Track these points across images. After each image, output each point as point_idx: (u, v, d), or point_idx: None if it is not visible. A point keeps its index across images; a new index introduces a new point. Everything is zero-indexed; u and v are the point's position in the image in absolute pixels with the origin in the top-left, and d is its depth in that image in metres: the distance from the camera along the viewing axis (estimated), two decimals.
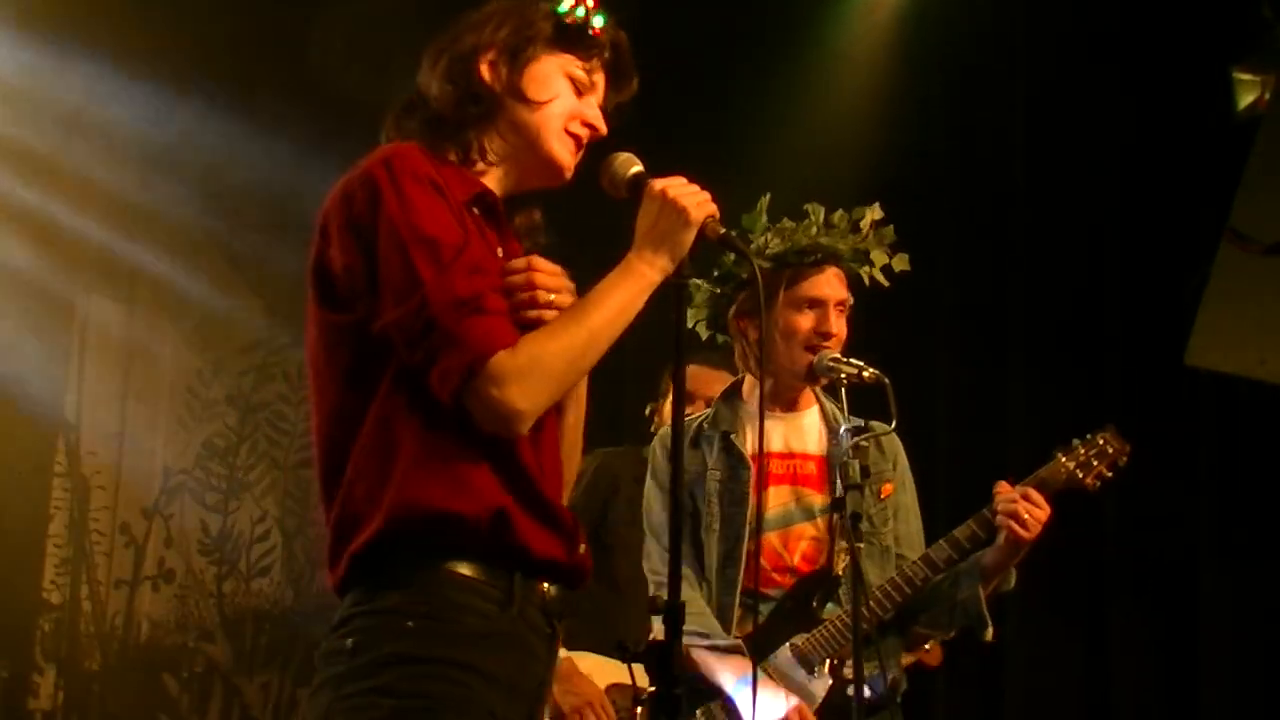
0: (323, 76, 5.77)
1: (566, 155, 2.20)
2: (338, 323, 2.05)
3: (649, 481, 3.37)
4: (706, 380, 3.93)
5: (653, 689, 1.88)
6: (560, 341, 1.99)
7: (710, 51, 5.86)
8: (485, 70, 2.17)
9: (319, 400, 2.08)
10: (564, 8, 2.19)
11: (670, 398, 4.21)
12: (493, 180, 2.19)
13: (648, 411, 4.30)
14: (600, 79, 2.23)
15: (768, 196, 3.28)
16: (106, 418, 6.75)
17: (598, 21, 2.19)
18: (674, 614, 1.87)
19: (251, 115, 5.95)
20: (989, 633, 3.21)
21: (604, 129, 2.22)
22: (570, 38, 2.19)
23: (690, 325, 3.27)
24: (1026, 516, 3.09)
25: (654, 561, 3.30)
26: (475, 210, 2.11)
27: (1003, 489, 3.16)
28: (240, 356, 6.77)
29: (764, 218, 3.26)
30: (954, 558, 3.15)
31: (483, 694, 1.96)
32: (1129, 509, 4.65)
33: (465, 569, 1.98)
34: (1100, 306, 4.91)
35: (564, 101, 2.19)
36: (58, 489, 6.62)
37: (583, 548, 2.10)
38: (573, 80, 2.20)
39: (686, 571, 3.22)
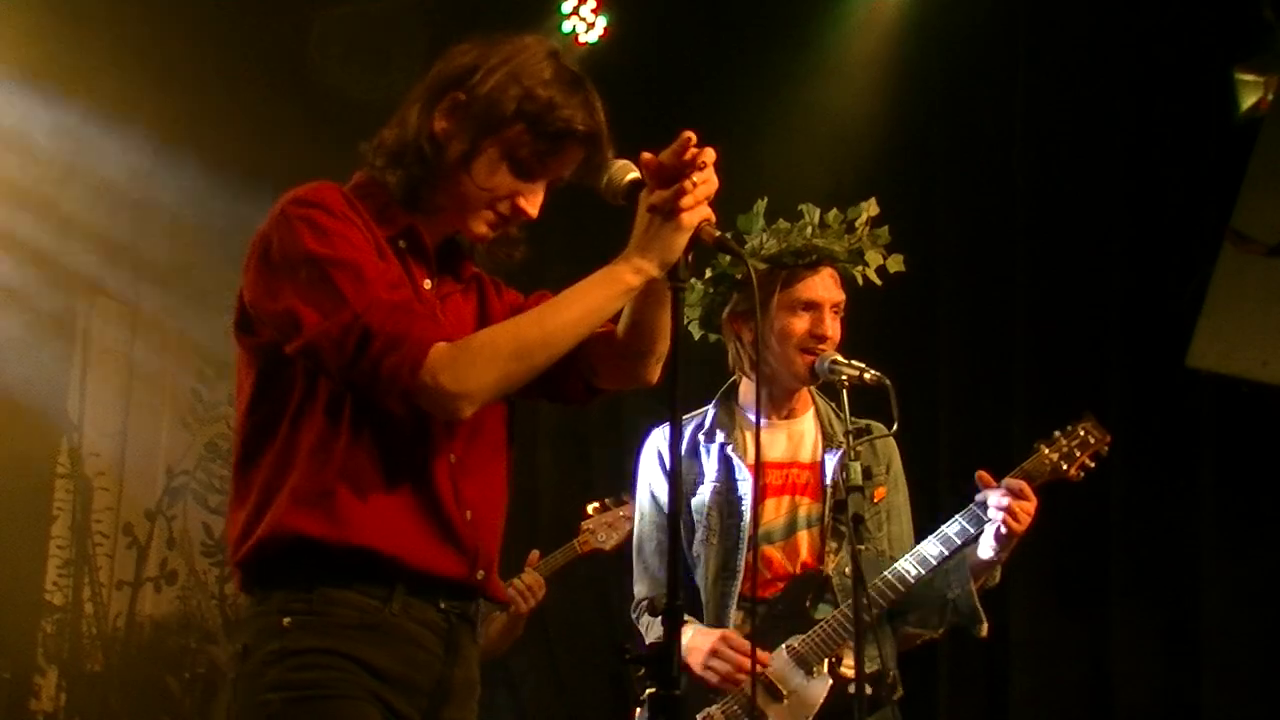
0: (322, 80, 5.79)
1: (484, 231, 2.20)
2: (247, 344, 2.16)
3: (641, 493, 3.34)
4: None
5: (652, 690, 1.88)
6: (506, 333, 2.06)
7: (710, 51, 5.86)
8: (441, 119, 2.14)
9: (239, 410, 2.18)
10: (555, 110, 2.12)
11: None
12: (426, 221, 2.20)
13: None
14: (562, 169, 2.19)
15: (765, 200, 3.26)
16: (109, 419, 6.76)
17: (580, 128, 2.13)
18: (673, 616, 1.87)
19: (257, 119, 5.96)
20: (983, 629, 3.20)
21: (534, 217, 2.20)
22: (545, 130, 2.14)
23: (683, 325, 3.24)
24: (1018, 510, 3.08)
25: (636, 581, 3.31)
26: (402, 244, 2.15)
27: (987, 481, 3.15)
28: None
29: (761, 219, 3.25)
30: (945, 554, 3.14)
31: (363, 680, 2.03)
32: (1131, 509, 4.65)
33: (342, 582, 2.05)
34: (1102, 308, 4.91)
35: (502, 187, 2.16)
36: (60, 490, 6.62)
37: (481, 574, 2.15)
38: (523, 162, 2.15)
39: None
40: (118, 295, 6.87)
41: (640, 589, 3.31)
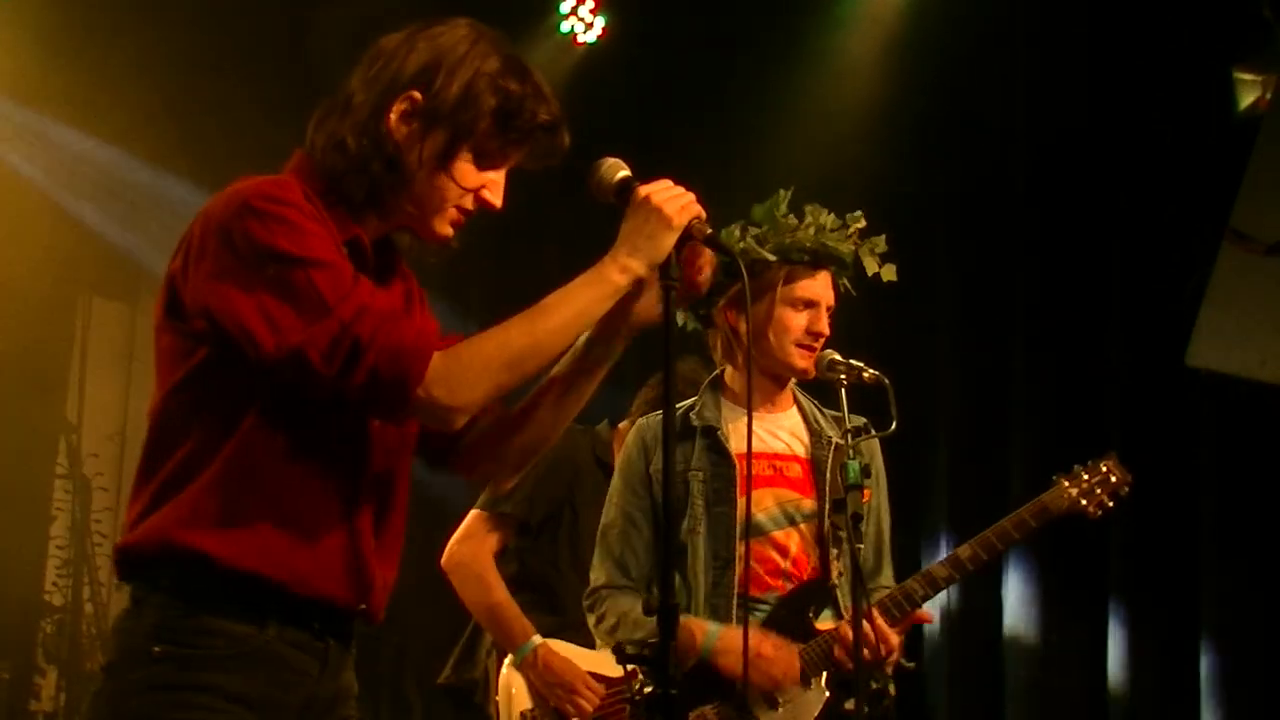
0: (325, 75, 5.78)
1: (448, 231, 2.13)
2: (177, 329, 2.04)
3: (616, 476, 3.28)
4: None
5: (649, 690, 1.87)
6: (495, 341, 1.99)
7: (709, 51, 5.86)
8: (400, 122, 2.06)
9: (158, 390, 2.07)
10: (523, 105, 2.06)
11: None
12: (372, 221, 2.13)
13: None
14: (524, 157, 2.14)
15: (790, 190, 3.25)
16: (109, 419, 6.77)
17: (546, 118, 2.08)
18: (667, 615, 1.86)
19: (256, 116, 5.96)
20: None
21: (499, 206, 2.13)
22: (516, 125, 2.08)
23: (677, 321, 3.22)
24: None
25: (595, 567, 3.24)
26: (345, 250, 2.06)
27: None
28: None
29: (783, 207, 3.23)
30: (954, 577, 3.15)
31: (228, 713, 1.96)
32: (1131, 508, 4.64)
33: (214, 607, 1.98)
34: (1102, 307, 4.91)
35: (465, 180, 2.10)
36: (59, 490, 6.63)
37: (364, 606, 2.09)
38: (489, 156, 2.09)
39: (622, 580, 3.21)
40: (118, 295, 6.88)
41: (598, 576, 3.24)
